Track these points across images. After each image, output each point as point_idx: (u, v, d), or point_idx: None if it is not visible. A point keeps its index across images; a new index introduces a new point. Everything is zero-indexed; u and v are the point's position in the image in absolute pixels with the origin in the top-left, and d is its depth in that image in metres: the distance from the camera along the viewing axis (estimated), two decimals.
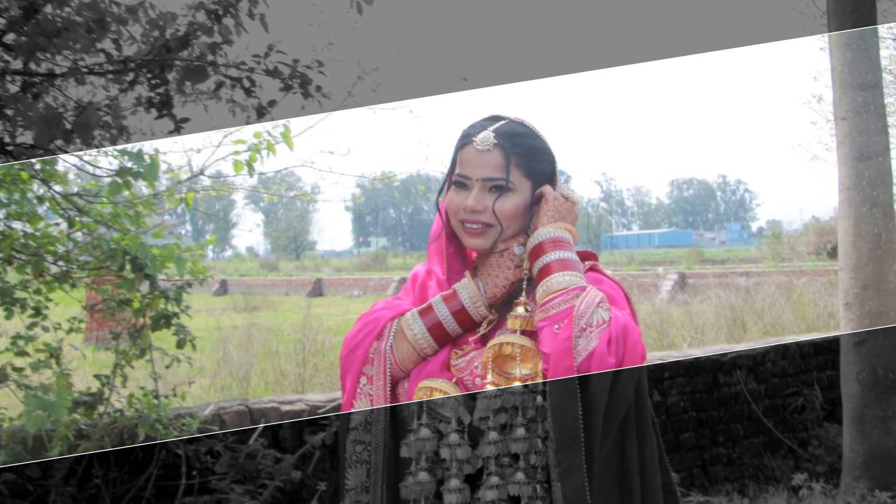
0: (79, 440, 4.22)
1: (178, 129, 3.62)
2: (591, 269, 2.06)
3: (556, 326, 1.85)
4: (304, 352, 10.56)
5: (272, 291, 35.67)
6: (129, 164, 3.35)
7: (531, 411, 1.89)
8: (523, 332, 1.93)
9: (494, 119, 2.08)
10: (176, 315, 4.19)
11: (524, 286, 2.02)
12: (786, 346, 7.12)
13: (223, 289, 37.51)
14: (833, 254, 28.37)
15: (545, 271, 1.93)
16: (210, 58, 3.61)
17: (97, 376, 4.32)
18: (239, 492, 4.20)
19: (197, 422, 4.47)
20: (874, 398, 6.10)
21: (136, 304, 4.28)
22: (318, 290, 37.95)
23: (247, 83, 3.60)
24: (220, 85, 3.70)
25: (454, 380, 1.98)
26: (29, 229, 4.09)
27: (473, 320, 2.03)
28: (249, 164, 3.97)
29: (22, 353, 4.39)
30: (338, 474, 2.13)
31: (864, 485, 5.99)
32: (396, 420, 2.05)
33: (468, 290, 2.03)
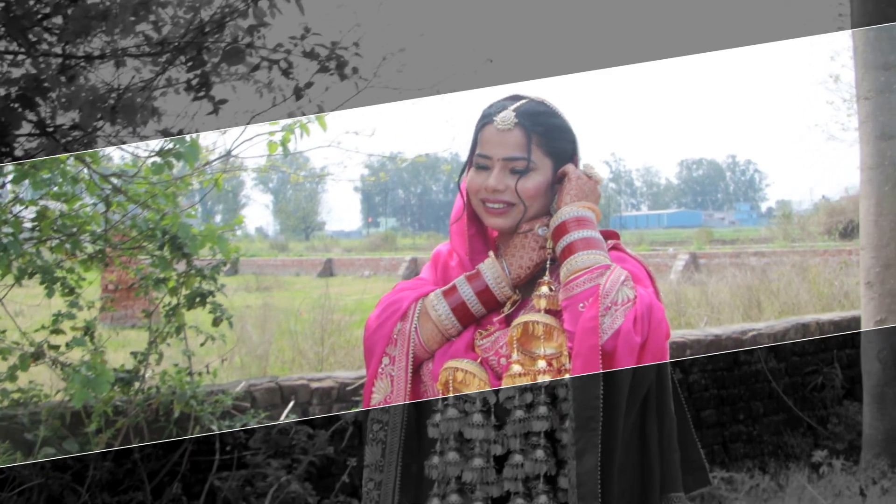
0: (115, 416, 4.30)
1: (215, 111, 3.67)
2: (614, 247, 2.06)
3: (581, 305, 1.84)
4: (322, 331, 10.64)
5: (283, 272, 35.72)
6: (170, 145, 3.40)
7: (561, 390, 1.90)
8: (548, 312, 1.94)
9: (515, 98, 2.07)
10: (211, 293, 4.25)
11: (548, 266, 2.02)
12: (805, 325, 7.16)
13: (234, 269, 37.57)
14: (845, 234, 28.33)
15: (569, 250, 1.93)
16: (248, 40, 3.64)
17: (133, 353, 4.39)
18: (275, 466, 4.28)
19: (229, 398, 4.55)
20: (894, 376, 6.15)
21: (171, 284, 4.35)
22: (328, 270, 37.97)
23: (284, 65, 3.64)
24: (256, 67, 3.74)
25: (479, 360, 1.98)
26: (65, 209, 4.17)
27: (497, 301, 2.03)
28: (284, 145, 4.02)
29: (58, 332, 4.48)
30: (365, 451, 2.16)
31: (884, 462, 6.04)
32: (420, 402, 2.06)
33: (492, 271, 2.02)
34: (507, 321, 2.03)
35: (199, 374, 4.59)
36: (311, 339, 10.80)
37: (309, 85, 3.72)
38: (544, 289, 1.97)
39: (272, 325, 11.84)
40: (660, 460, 1.94)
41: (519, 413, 1.90)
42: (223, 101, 3.66)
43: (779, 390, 6.84)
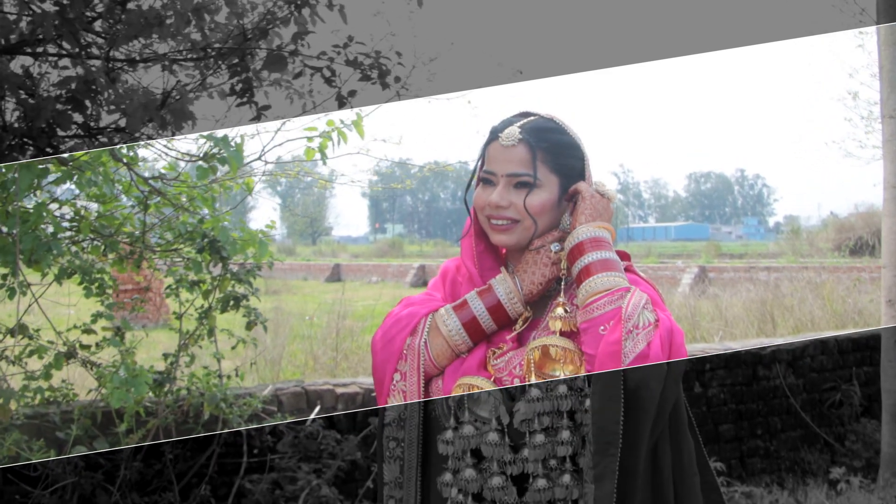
0: (146, 417, 4.33)
1: (258, 117, 3.71)
2: (626, 269, 2.04)
3: (602, 328, 1.83)
4: (336, 336, 10.67)
5: (290, 276, 35.70)
6: (216, 149, 3.44)
7: (580, 415, 1.90)
8: (563, 333, 1.93)
9: (523, 115, 2.06)
10: (245, 297, 4.29)
11: (562, 286, 2.01)
12: (824, 342, 7.18)
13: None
14: (855, 251, 28.28)
15: (586, 272, 1.91)
16: (291, 47, 3.68)
17: (165, 355, 4.43)
18: (305, 470, 4.31)
19: (257, 401, 4.58)
20: None
21: (204, 287, 4.39)
22: (336, 275, 37.99)
23: (327, 73, 3.68)
24: (298, 74, 3.78)
25: (492, 379, 1.96)
26: (102, 210, 4.21)
27: (509, 317, 2.02)
28: (322, 151, 4.06)
29: (89, 331, 4.52)
30: None
31: None
32: (429, 418, 2.04)
33: (504, 286, 2.01)
34: (520, 340, 2.02)
35: (228, 376, 4.63)
36: (323, 345, 10.84)
37: (353, 93, 3.76)
38: (559, 310, 1.96)
39: (285, 330, 11.85)
40: (679, 484, 1.93)
41: (540, 437, 1.89)
42: (266, 108, 3.70)
43: (797, 406, 6.85)
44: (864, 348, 7.37)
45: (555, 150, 2.02)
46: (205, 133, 3.51)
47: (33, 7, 3.20)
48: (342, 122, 4.02)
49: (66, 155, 3.62)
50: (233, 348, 4.50)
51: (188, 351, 4.41)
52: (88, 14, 3.29)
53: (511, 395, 1.94)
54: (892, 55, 6.36)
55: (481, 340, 2.03)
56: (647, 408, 1.79)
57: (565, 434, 1.89)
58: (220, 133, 3.47)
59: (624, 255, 2.08)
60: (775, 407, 6.79)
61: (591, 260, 1.91)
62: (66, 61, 3.43)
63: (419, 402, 2.02)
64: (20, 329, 4.19)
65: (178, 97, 3.48)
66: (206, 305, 4.37)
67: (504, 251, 2.14)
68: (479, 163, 2.08)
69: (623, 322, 1.80)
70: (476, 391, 1.95)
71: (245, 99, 3.68)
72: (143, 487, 4.39)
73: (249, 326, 4.35)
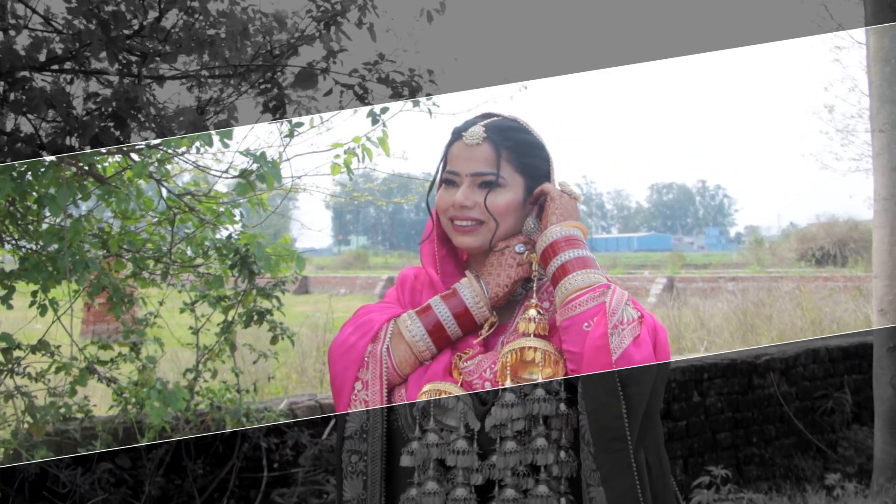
0: (168, 431, 4.34)
1: (291, 134, 3.75)
2: None
3: (586, 324, 1.74)
4: (318, 350, 10.65)
5: None
6: (255, 166, 3.48)
7: (556, 420, 1.80)
8: (536, 336, 1.84)
9: (486, 116, 2.01)
10: (269, 312, 4.31)
11: (533, 287, 1.94)
12: (815, 351, 7.33)
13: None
14: (821, 261, 28.77)
15: (563, 271, 1.83)
16: (322, 65, 3.73)
17: (189, 370, 4.44)
18: (335, 483, 4.32)
19: (275, 415, 4.60)
20: None
21: (225, 302, 4.40)
22: (304, 287, 37.76)
23: (360, 90, 3.73)
24: (329, 92, 3.83)
25: (460, 383, 1.87)
26: (131, 226, 4.22)
27: (476, 322, 1.93)
28: (347, 167, 4.10)
29: (105, 347, 4.51)
30: None
31: None
32: (392, 430, 1.93)
33: (471, 290, 1.93)
34: (486, 346, 1.94)
35: (247, 391, 4.65)
36: (309, 357, 10.82)
37: (385, 110, 3.81)
38: (532, 312, 1.88)
39: (264, 342, 11.73)
40: (653, 491, 1.80)
41: (510, 444, 1.79)
42: (299, 125, 3.74)
43: (790, 414, 6.99)
44: (854, 357, 7.54)
45: (519, 149, 1.96)
46: (241, 150, 3.53)
47: (77, 24, 3.22)
48: (368, 138, 4.07)
49: (86, 163, 3.63)
50: (254, 363, 4.52)
51: (209, 366, 4.42)
52: (129, 32, 3.32)
53: (482, 401, 1.85)
54: (881, 71, 6.53)
55: (446, 347, 1.94)
56: (637, 405, 1.72)
57: (540, 441, 1.79)
58: (256, 150, 3.50)
59: None
60: (770, 415, 6.93)
61: (567, 258, 1.84)
62: (99, 77, 3.45)
63: (382, 413, 1.92)
64: (42, 346, 4.18)
65: (215, 112, 3.51)
66: (227, 320, 4.38)
67: (466, 256, 2.07)
68: (442, 164, 2.02)
69: (608, 316, 1.73)
70: (445, 396, 1.85)
71: (278, 115, 3.71)
72: (166, 502, 4.39)
73: (274, 341, 4.38)
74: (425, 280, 2.05)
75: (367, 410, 1.92)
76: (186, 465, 4.41)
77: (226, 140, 3.31)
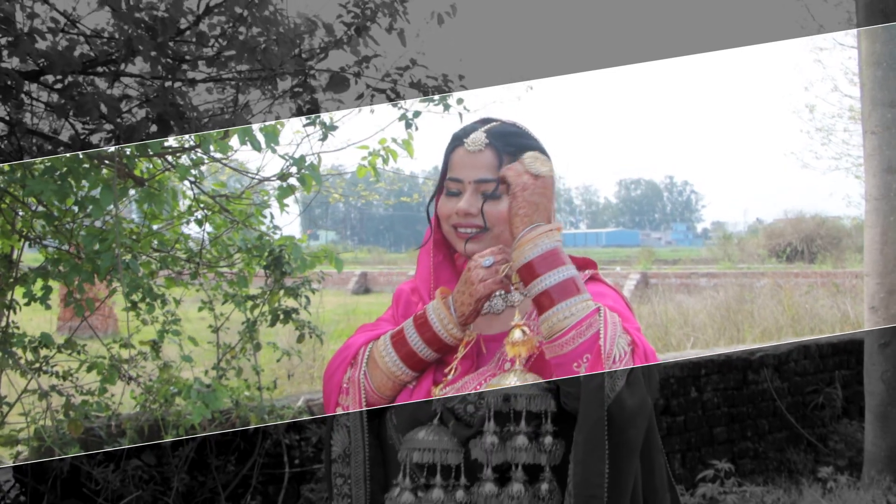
0: (197, 429, 4.40)
1: (325, 137, 3.83)
2: (592, 278, 1.95)
3: (576, 364, 1.65)
4: (311, 346, 10.67)
5: None
6: (293, 168, 3.56)
7: (543, 456, 1.73)
8: (528, 360, 1.78)
9: (485, 121, 1.97)
10: (295, 311, 4.38)
11: (514, 302, 1.87)
12: (806, 347, 7.53)
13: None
14: (792, 257, 29.21)
15: (547, 299, 1.71)
16: (355, 70, 3.81)
17: (215, 367, 4.50)
18: None
19: (294, 411, 4.68)
20: None
21: (248, 302, 4.47)
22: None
23: (391, 95, 3.82)
24: (360, 96, 3.91)
25: (439, 415, 1.82)
26: (152, 225, 4.27)
27: (448, 345, 1.87)
28: (374, 168, 4.19)
29: (127, 346, 4.56)
30: None
31: (888, 478, 6.38)
32: (385, 447, 1.92)
33: (438, 314, 1.87)
34: (472, 364, 1.89)
35: (268, 388, 4.72)
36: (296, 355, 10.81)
37: (417, 114, 3.90)
38: (517, 333, 1.78)
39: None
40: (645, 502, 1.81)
41: (489, 487, 1.74)
42: (334, 128, 3.81)
43: (783, 409, 7.17)
44: (843, 352, 7.75)
45: (521, 154, 1.88)
46: (281, 153, 3.61)
47: (125, 28, 3.28)
48: (394, 139, 4.16)
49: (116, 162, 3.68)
50: (278, 360, 4.59)
51: (234, 364, 4.49)
52: (173, 37, 3.38)
53: (468, 423, 1.79)
54: (872, 74, 6.70)
55: (427, 368, 1.90)
56: (635, 446, 1.68)
57: (516, 487, 1.73)
58: (295, 153, 3.58)
59: (589, 263, 2.00)
60: (763, 410, 7.11)
61: (548, 285, 1.71)
62: (144, 82, 3.51)
63: (364, 438, 1.90)
64: (70, 345, 4.23)
65: (251, 115, 3.59)
66: (252, 319, 4.45)
67: (463, 264, 1.97)
68: (443, 171, 1.98)
69: (603, 361, 1.62)
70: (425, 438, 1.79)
71: (311, 119, 3.79)
72: (190, 500, 4.46)
73: (300, 339, 4.45)
74: (418, 294, 2.04)
75: (349, 434, 1.92)
76: (210, 461, 4.47)
77: (272, 145, 3.37)
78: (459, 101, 3.87)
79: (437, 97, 4.08)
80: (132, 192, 3.64)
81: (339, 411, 1.92)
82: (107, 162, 3.42)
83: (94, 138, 3.46)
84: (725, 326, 10.98)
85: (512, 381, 1.74)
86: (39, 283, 3.81)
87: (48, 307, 3.85)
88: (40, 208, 3.87)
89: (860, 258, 23.06)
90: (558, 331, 1.68)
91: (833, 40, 15.13)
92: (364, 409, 1.90)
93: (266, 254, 4.00)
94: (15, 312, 4.21)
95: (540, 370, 1.78)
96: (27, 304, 3.83)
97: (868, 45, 6.75)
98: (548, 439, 1.72)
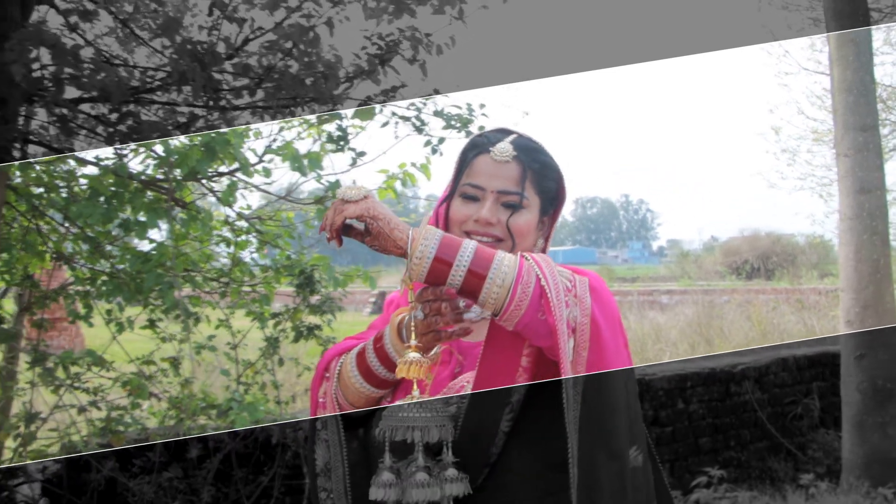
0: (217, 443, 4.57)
1: (354, 163, 4.03)
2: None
3: (541, 314, 1.65)
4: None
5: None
6: (328, 192, 3.76)
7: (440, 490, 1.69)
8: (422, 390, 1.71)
9: (505, 132, 1.97)
10: (318, 327, 4.55)
11: (410, 321, 1.77)
12: (784, 359, 7.86)
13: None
14: (751, 274, 29.80)
15: (475, 279, 1.67)
16: (381, 99, 4.03)
17: (239, 382, 4.67)
18: None
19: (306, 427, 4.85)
20: (874, 406, 6.83)
21: (271, 320, 4.65)
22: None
23: (417, 122, 4.04)
24: (385, 124, 4.12)
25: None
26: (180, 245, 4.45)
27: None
28: (393, 190, 4.40)
29: (149, 362, 4.71)
30: None
31: (865, 484, 6.70)
32: (370, 458, 1.87)
33: (390, 337, 1.84)
34: (450, 374, 1.87)
35: (287, 402, 4.89)
36: (283, 370, 10.93)
37: (441, 140, 4.12)
38: (411, 354, 1.72)
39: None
40: None
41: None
42: (362, 154, 4.02)
43: (763, 419, 7.47)
44: (819, 365, 8.11)
45: (542, 171, 1.94)
46: (313, 175, 3.80)
47: (175, 57, 3.46)
48: (413, 164, 4.37)
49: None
50: (298, 376, 4.76)
51: (257, 379, 4.65)
52: (219, 69, 3.57)
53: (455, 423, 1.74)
54: (844, 100, 7.08)
55: (394, 385, 1.87)
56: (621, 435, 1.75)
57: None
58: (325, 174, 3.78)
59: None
60: (745, 420, 7.41)
61: (466, 263, 1.67)
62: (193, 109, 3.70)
63: (342, 453, 1.89)
64: (99, 361, 4.38)
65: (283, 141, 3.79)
66: (274, 336, 4.61)
67: None
68: (457, 174, 1.96)
69: (554, 309, 1.63)
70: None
71: (342, 145, 3.99)
72: None
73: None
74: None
75: (328, 449, 1.91)
76: (234, 473, 4.63)
77: (317, 170, 3.58)
78: (480, 128, 4.09)
79: (458, 124, 4.31)
80: (175, 213, 3.81)
81: (318, 425, 1.93)
82: (152, 186, 3.60)
83: (135, 164, 3.63)
84: (698, 342, 11.29)
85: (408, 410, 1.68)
86: (81, 302, 3.96)
87: (91, 325, 4.00)
88: (73, 230, 4.04)
89: (815, 274, 23.72)
90: (505, 295, 1.65)
91: (798, 65, 15.64)
92: (341, 426, 1.89)
93: (298, 272, 4.17)
94: (46, 330, 4.37)
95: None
96: (72, 322, 3.97)
97: (840, 72, 7.12)
98: (449, 472, 1.69)
